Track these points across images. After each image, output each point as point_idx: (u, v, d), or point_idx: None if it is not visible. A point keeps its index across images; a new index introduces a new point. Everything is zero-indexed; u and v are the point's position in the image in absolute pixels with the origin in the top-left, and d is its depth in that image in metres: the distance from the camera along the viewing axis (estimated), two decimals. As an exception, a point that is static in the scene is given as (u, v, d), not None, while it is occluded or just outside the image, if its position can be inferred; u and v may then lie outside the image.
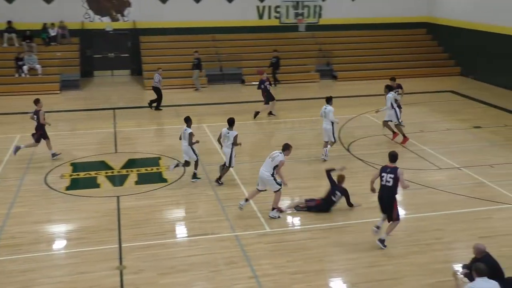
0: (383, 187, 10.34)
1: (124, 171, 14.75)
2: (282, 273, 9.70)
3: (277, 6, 28.95)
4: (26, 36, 25.98)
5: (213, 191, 13.28)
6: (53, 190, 13.45)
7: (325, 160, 15.27)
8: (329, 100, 15.71)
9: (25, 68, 24.80)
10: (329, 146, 15.61)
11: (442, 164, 15.16)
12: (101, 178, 14.31)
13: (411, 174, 14.34)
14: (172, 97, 23.95)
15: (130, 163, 15.41)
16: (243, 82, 26.84)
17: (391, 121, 16.93)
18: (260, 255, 10.28)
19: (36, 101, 15.55)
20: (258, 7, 29.52)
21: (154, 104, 21.69)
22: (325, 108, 15.49)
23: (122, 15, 28.20)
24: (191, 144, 13.59)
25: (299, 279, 9.50)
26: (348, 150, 16.45)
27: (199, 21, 28.55)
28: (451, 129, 18.73)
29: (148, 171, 14.73)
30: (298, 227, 11.72)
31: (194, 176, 13.91)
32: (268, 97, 20.24)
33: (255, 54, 28.29)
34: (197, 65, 25.20)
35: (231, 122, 13.61)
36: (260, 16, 29.70)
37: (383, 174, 10.32)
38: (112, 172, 14.73)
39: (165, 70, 25.83)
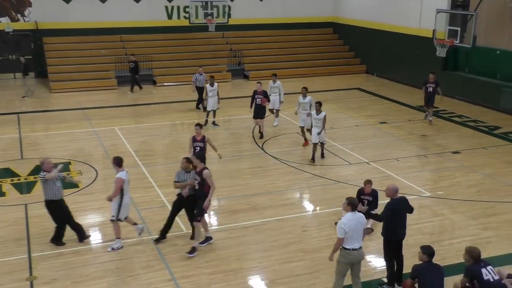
0: None
1: (31, 178, 14.09)
2: (200, 274, 9.69)
3: (186, 6, 28.79)
4: None
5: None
6: (-47, 201, 12.61)
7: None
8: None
9: None
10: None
11: (352, 159, 15.79)
12: (7, 186, 13.59)
13: (323, 170, 14.84)
14: (79, 99, 23.18)
15: (38, 169, 14.59)
16: (154, 83, 26.47)
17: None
18: (177, 257, 10.21)
19: None
20: (166, 7, 29.24)
21: (201, 105, 21.15)
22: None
23: (23, 15, 26.88)
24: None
25: (218, 279, 9.54)
26: (262, 148, 16.70)
27: (106, 22, 27.82)
28: (360, 125, 19.55)
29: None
30: (215, 227, 11.74)
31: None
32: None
33: (166, 54, 28.02)
34: (134, 69, 24.38)
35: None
36: (169, 16, 29.43)
37: None
38: (19, 180, 14.04)
39: (71, 72, 25.00)
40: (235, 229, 11.45)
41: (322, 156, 15.65)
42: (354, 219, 8.37)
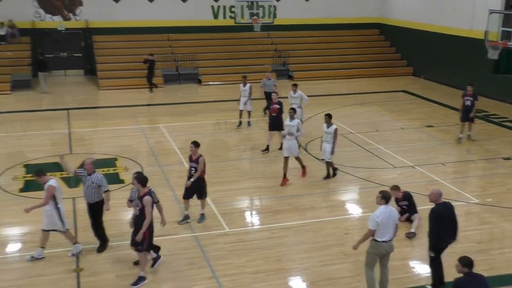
0: None
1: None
2: (241, 273, 9.74)
3: (232, 6, 28.99)
4: (-27, 35, 25.16)
5: (172, 191, 13.21)
6: (6, 192, 13.09)
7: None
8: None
9: (-28, 67, 23.98)
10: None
11: (396, 163, 15.55)
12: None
13: (366, 173, 14.67)
14: (127, 97, 23.67)
15: (86, 165, 15.10)
16: (199, 82, 26.76)
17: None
18: (219, 256, 10.30)
19: None
20: (212, 6, 29.50)
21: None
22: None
23: (74, 14, 27.64)
24: None
25: (259, 279, 9.57)
26: (305, 149, 16.64)
27: (153, 21, 28.29)
28: (405, 128, 19.23)
29: (104, 172, 14.39)
30: (257, 227, 11.79)
31: None
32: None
33: (211, 54, 28.27)
34: (150, 68, 24.67)
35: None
36: (215, 16, 29.68)
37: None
38: (67, 174, 14.41)
39: (119, 70, 25.55)
40: (276, 229, 11.46)
41: (334, 174, 14.23)
42: (386, 212, 8.51)
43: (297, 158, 13.96)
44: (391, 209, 8.66)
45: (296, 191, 13.43)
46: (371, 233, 8.51)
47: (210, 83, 26.40)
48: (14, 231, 11.39)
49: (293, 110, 14.08)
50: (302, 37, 30.57)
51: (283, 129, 15.06)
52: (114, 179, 14.01)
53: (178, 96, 24.46)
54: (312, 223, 11.73)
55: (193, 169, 11.35)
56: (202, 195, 11.55)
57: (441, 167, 15.28)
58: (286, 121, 13.96)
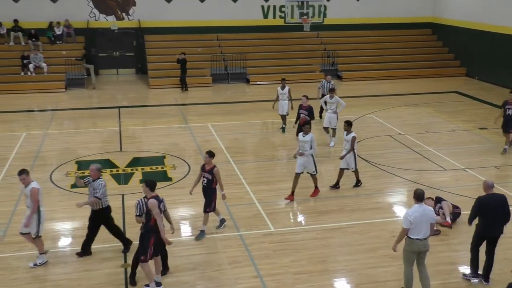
0: None
1: (129, 170, 14.80)
2: (285, 273, 9.72)
3: (282, 6, 28.97)
4: (32, 34, 26.07)
5: (217, 190, 13.27)
6: (59, 188, 13.51)
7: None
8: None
9: (31, 66, 24.87)
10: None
11: (447, 165, 15.15)
12: (106, 176, 14.32)
13: (415, 175, 14.36)
14: (176, 95, 24.02)
15: (135, 162, 15.47)
16: (248, 81, 26.88)
17: None
18: (264, 255, 10.31)
19: None
20: (262, 6, 29.53)
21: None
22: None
23: (127, 14, 28.26)
24: None
25: (303, 279, 9.52)
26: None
27: (204, 20, 28.58)
28: (457, 130, 18.71)
29: (153, 170, 14.78)
30: (302, 227, 11.74)
31: None
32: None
33: (260, 53, 28.33)
34: (182, 67, 24.83)
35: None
36: (265, 16, 29.72)
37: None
38: (117, 171, 14.78)
39: (169, 69, 25.95)
40: (322, 230, 11.38)
41: (357, 184, 13.60)
42: (420, 211, 8.57)
43: (313, 177, 12.90)
44: (426, 208, 8.68)
45: (342, 193, 13.30)
46: (405, 231, 8.62)
47: (258, 82, 26.47)
48: (65, 226, 11.74)
49: (308, 125, 13.09)
50: (352, 37, 30.21)
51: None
52: (162, 176, 14.25)
53: (226, 95, 24.66)
54: (358, 225, 11.58)
55: (204, 179, 10.76)
56: (206, 208, 10.82)
57: (494, 170, 14.79)
58: (300, 136, 13.02)
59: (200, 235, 10.91)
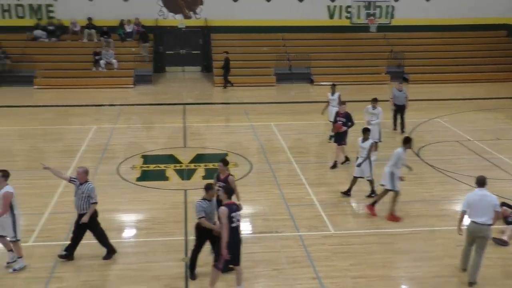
0: None
1: (192, 166, 15.05)
2: (344, 276, 9.59)
3: (348, 6, 28.65)
4: (104, 32, 27.01)
5: (279, 189, 13.31)
6: (124, 180, 13.92)
7: None
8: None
9: (102, 62, 25.78)
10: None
11: (518, 174, 14.50)
12: (170, 171, 14.67)
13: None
14: (240, 94, 24.22)
15: (198, 158, 15.71)
16: (311, 82, 26.74)
17: None
18: (323, 257, 10.21)
19: None
20: (329, 6, 29.29)
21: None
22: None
23: (195, 13, 28.76)
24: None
25: (362, 284, 9.37)
26: (417, 155, 16.02)
27: (269, 20, 28.64)
28: (530, 138, 17.86)
29: (215, 167, 14.80)
30: (363, 231, 11.54)
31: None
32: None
33: (325, 54, 28.11)
34: (225, 65, 25.23)
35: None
36: (331, 16, 29.46)
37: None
38: (181, 166, 15.06)
39: (234, 68, 26.24)
40: (384, 235, 11.14)
41: (371, 194, 12.84)
42: (479, 195, 9.06)
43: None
44: (487, 194, 9.06)
45: (406, 197, 12.93)
46: (462, 214, 9.22)
47: (322, 83, 26.22)
48: (130, 217, 12.08)
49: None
50: (420, 38, 29.45)
51: (344, 143, 14.43)
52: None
53: (290, 95, 24.64)
54: (422, 232, 11.26)
55: (220, 189, 10.12)
56: None
57: None
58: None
59: None
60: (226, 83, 25.54)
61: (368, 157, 12.49)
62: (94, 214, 9.84)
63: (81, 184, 9.63)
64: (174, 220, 11.66)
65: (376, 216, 11.80)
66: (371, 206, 11.95)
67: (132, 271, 9.68)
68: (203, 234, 9.26)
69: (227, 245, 8.50)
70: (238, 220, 8.70)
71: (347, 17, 29.16)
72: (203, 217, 9.04)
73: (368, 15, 27.31)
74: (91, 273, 9.58)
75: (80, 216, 9.72)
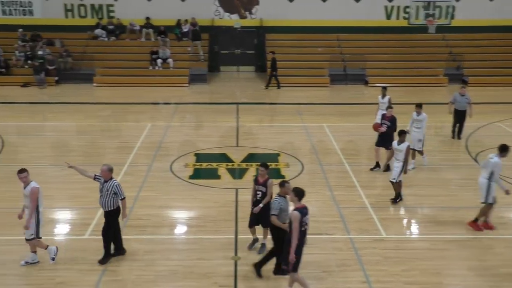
0: None
1: (244, 165, 15.13)
2: (396, 281, 9.40)
3: (407, 7, 28.05)
4: (161, 31, 27.57)
5: (330, 191, 13.20)
6: (177, 178, 14.15)
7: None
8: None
9: (159, 61, 26.31)
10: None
11: None
12: (222, 170, 14.80)
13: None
14: (293, 94, 24.17)
15: (250, 158, 15.79)
16: (366, 83, 26.37)
17: None
18: (374, 261, 10.05)
19: None
20: (386, 7, 28.82)
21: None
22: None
23: (250, 13, 28.92)
24: None
25: (414, 290, 9.17)
26: (475, 159, 15.52)
27: (324, 20, 28.44)
28: None
29: (266, 167, 14.96)
30: (416, 236, 11.30)
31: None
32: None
33: (380, 55, 27.67)
34: (272, 65, 25.29)
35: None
36: (388, 16, 28.96)
37: None
38: (233, 165, 15.18)
39: (288, 68, 26.23)
40: (437, 241, 10.85)
41: (395, 200, 12.48)
42: None
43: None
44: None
45: (462, 203, 12.59)
46: None
47: (377, 84, 25.81)
48: (182, 214, 12.27)
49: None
50: (481, 40, 28.50)
51: (390, 147, 13.62)
52: (275, 174, 14.35)
53: (343, 96, 24.38)
54: (478, 239, 10.89)
55: (259, 192, 10.07)
56: (268, 222, 9.79)
57: None
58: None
59: (262, 249, 10.34)
60: (273, 83, 25.61)
61: (406, 160, 12.16)
62: (116, 212, 9.81)
63: (105, 181, 9.64)
64: (225, 218, 11.75)
65: (482, 230, 11.23)
66: (473, 223, 11.31)
67: (183, 268, 9.83)
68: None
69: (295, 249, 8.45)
70: (307, 224, 8.60)
71: (404, 18, 28.59)
72: (275, 215, 9.10)
73: (427, 15, 26.65)
74: (144, 268, 9.79)
75: (106, 213, 9.77)
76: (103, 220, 10.16)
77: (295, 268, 8.66)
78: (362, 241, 10.78)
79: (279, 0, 28.54)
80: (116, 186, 9.60)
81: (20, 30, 27.16)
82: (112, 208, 9.69)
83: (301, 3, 28.47)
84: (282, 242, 8.85)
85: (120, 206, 9.77)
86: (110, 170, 9.67)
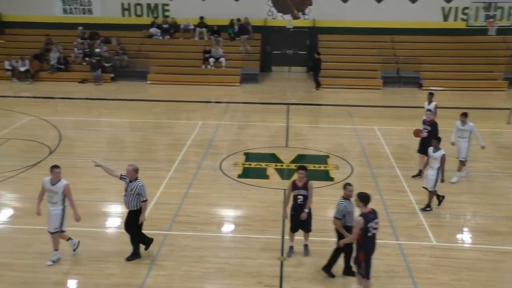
0: None
1: (292, 166, 15.09)
2: (445, 290, 9.19)
3: (465, 8, 27.28)
4: (214, 30, 27.86)
5: (379, 195, 13.00)
6: (226, 176, 14.28)
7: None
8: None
9: (211, 60, 26.60)
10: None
11: None
12: (271, 170, 14.83)
13: None
14: (345, 96, 23.94)
15: (299, 159, 15.75)
16: (420, 86, 25.80)
17: None
18: (423, 268, 9.85)
19: None
20: (443, 8, 28.09)
21: None
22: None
23: (303, 13, 28.83)
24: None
25: (465, 301, 8.92)
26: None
27: (379, 21, 28.01)
28: None
29: (315, 168, 14.89)
30: (468, 245, 10.99)
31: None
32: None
33: (436, 58, 27.00)
34: (314, 67, 25.27)
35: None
36: (445, 18, 28.23)
37: None
38: (281, 166, 15.18)
39: (340, 69, 26.01)
40: (490, 251, 10.51)
41: (426, 208, 12.14)
42: None
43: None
44: None
45: (516, 213, 12.17)
46: None
47: (432, 88, 25.24)
48: (229, 213, 12.38)
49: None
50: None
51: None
52: (324, 176, 14.31)
53: (396, 99, 23.95)
54: (534, 252, 10.50)
55: (300, 197, 9.87)
56: (310, 226, 10.12)
57: None
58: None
59: (306, 251, 10.34)
60: (317, 85, 25.50)
61: (441, 169, 11.86)
62: (139, 212, 9.82)
63: (130, 181, 9.70)
64: (272, 218, 11.77)
65: None
66: None
67: (230, 266, 9.92)
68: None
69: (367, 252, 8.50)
70: (375, 229, 8.48)
71: (463, 19, 27.79)
72: (338, 218, 9.10)
73: (488, 17, 25.85)
74: (192, 264, 9.93)
75: (130, 212, 9.84)
76: (153, 215, 10.40)
77: (367, 274, 8.63)
78: (411, 247, 10.58)
79: (333, 1, 28.30)
80: (140, 187, 9.66)
81: (80, 28, 28.07)
82: (135, 208, 9.75)
83: (355, 4, 28.14)
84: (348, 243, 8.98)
85: (142, 207, 9.76)
86: (135, 170, 9.74)
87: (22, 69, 25.88)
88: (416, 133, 14.06)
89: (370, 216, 8.42)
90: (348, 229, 9.14)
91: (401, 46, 27.70)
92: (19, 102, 22.84)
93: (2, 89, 24.42)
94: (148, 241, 10.16)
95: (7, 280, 9.37)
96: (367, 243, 8.51)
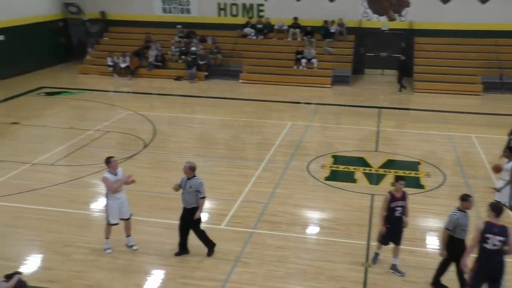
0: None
1: (381, 171, 14.78)
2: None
3: None
4: (308, 31, 27.81)
5: (474, 208, 12.34)
6: (313, 178, 14.22)
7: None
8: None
9: (303, 61, 26.58)
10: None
11: None
12: (359, 174, 14.60)
13: None
14: (440, 101, 23.04)
15: (389, 164, 15.37)
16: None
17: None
18: None
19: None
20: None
21: None
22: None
23: (400, 15, 28.05)
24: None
25: None
26: None
27: (481, 23, 26.61)
28: None
29: (405, 175, 14.45)
30: None
31: None
32: None
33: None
34: (401, 68, 24.97)
35: None
36: (557, 20, 26.33)
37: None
38: (370, 170, 14.89)
39: (436, 73, 25.05)
40: None
41: None
42: None
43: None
44: None
45: None
46: None
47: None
48: (315, 215, 12.32)
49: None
50: None
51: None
52: (414, 183, 13.86)
53: (497, 106, 22.64)
54: None
55: (399, 208, 9.49)
56: (401, 239, 9.72)
57: None
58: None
59: (375, 258, 10.06)
60: (401, 87, 24.96)
61: (510, 180, 11.25)
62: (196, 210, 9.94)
63: (188, 179, 9.81)
64: (358, 223, 11.59)
65: None
66: None
67: (313, 268, 9.88)
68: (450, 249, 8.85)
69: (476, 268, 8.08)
70: (495, 245, 7.94)
71: None
72: (449, 229, 8.70)
73: None
74: (275, 263, 10.00)
75: (186, 210, 9.95)
76: (240, 213, 10.55)
77: (470, 285, 8.24)
78: (508, 265, 9.96)
79: (432, 2, 27.29)
80: (199, 183, 9.78)
81: (179, 26, 29.08)
82: (194, 206, 9.84)
83: (456, 5, 26.93)
84: (459, 254, 8.50)
85: (199, 204, 9.86)
86: (191, 168, 9.84)
87: (123, 65, 27.24)
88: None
89: (494, 228, 7.92)
90: (456, 241, 8.69)
91: (506, 50, 26.19)
92: (119, 96, 24.07)
93: (104, 84, 25.84)
94: (211, 245, 10.27)
95: (101, 265, 9.91)
96: (481, 254, 8.03)
